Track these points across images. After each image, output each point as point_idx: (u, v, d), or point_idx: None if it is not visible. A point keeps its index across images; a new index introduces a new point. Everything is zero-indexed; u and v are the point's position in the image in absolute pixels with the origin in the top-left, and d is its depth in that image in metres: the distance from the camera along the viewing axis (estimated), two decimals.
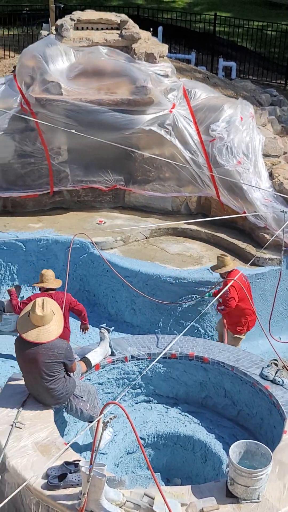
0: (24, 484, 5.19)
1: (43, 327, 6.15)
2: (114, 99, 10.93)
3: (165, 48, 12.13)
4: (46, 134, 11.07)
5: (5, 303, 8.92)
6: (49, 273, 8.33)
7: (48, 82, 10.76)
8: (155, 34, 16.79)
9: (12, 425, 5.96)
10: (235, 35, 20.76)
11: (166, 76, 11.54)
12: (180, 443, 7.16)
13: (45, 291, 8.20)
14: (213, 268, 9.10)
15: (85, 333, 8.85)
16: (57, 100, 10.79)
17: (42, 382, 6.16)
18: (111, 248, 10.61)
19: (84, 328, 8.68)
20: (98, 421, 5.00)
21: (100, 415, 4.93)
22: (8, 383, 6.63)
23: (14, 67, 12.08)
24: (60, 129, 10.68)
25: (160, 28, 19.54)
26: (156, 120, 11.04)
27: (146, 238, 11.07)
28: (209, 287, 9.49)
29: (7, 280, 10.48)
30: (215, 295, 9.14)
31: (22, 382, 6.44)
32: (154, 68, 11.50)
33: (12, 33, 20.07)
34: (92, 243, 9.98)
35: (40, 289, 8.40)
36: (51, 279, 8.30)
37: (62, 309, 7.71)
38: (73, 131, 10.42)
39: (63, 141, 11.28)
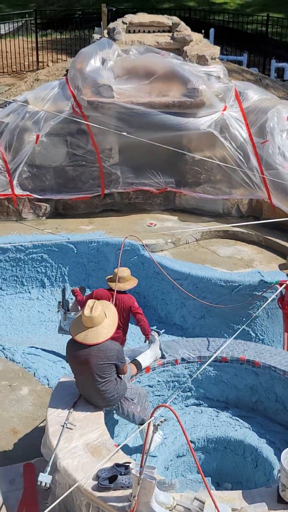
0: (75, 485, 5.22)
1: (92, 328, 6.16)
2: (165, 102, 10.94)
3: (216, 50, 12.09)
4: (97, 137, 11.15)
5: (70, 303, 8.97)
6: (126, 272, 8.03)
7: (100, 85, 10.83)
8: (206, 36, 16.73)
9: (63, 426, 5.99)
10: (287, 36, 20.55)
11: (218, 78, 11.49)
12: (230, 447, 7.11)
13: (110, 289, 7.93)
14: (282, 267, 8.98)
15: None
16: (108, 103, 10.86)
17: (94, 384, 6.18)
18: (162, 250, 10.61)
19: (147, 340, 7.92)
20: (149, 423, 4.99)
21: (150, 417, 4.92)
22: (59, 384, 6.67)
23: (67, 70, 12.19)
24: (112, 131, 10.75)
25: (211, 30, 19.49)
26: (209, 122, 11.00)
27: (197, 240, 11.03)
28: (261, 290, 9.39)
29: (58, 282, 10.58)
30: (280, 285, 8.91)
31: (73, 383, 6.48)
32: (205, 70, 11.46)
33: (64, 37, 20.33)
34: (143, 246, 10.00)
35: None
36: (128, 279, 8.02)
37: (122, 311, 7.69)
38: (124, 133, 10.50)
39: (114, 144, 11.34)
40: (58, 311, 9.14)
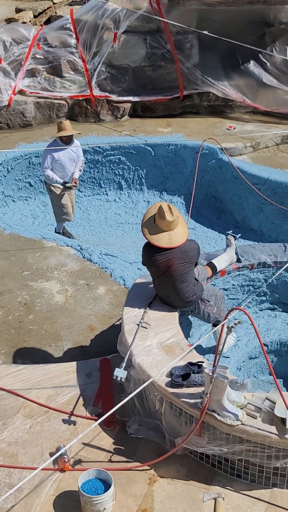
0: (150, 380, 5.39)
1: (173, 231, 6.14)
2: None
3: None
4: (177, 36, 10.82)
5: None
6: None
7: None
8: None
9: (138, 325, 6.13)
10: None
11: None
12: None
13: None
14: None
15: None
16: None
17: (174, 285, 6.23)
18: (240, 154, 10.43)
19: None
20: (223, 325, 5.05)
21: (224, 319, 4.97)
22: (135, 285, 6.79)
23: None
24: (192, 30, 10.41)
25: None
26: None
27: (277, 145, 10.77)
28: None
29: (135, 184, 10.61)
30: None
31: (148, 284, 6.58)
32: None
33: None
34: (221, 149, 9.84)
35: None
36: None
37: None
38: (205, 32, 10.16)
39: (195, 43, 11.00)
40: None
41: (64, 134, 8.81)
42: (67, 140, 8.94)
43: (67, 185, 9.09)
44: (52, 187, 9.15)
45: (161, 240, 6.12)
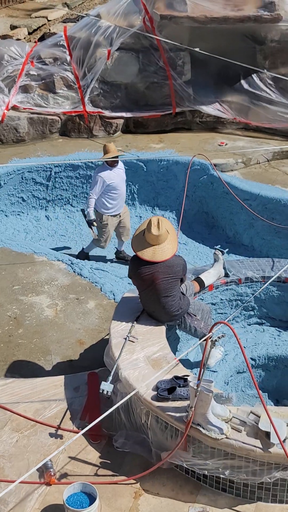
0: (134, 391, 5.41)
1: (158, 246, 6.20)
2: (240, 16, 10.64)
3: None
4: (169, 53, 10.93)
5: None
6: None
7: None
8: None
9: (125, 339, 6.17)
10: None
11: None
12: None
13: None
14: None
15: None
16: (181, 17, 10.59)
17: (159, 299, 6.27)
18: (232, 170, 10.50)
19: None
20: (207, 338, 5.08)
21: (209, 333, 5.01)
22: (123, 299, 6.83)
23: None
24: (184, 47, 10.52)
25: None
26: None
27: (268, 161, 10.84)
28: None
29: (127, 200, 10.66)
30: None
31: (136, 298, 6.62)
32: None
33: None
34: (212, 165, 9.92)
35: None
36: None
37: None
38: (197, 49, 10.27)
39: (187, 60, 11.12)
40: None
41: (110, 156, 8.88)
42: (113, 163, 8.96)
43: (87, 219, 9.26)
44: (105, 217, 9.25)
45: (145, 253, 6.19)
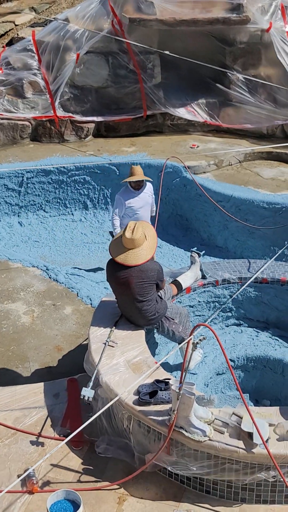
0: (117, 398, 5.38)
1: (132, 250, 6.19)
2: (209, 18, 10.65)
3: None
4: (139, 56, 10.93)
5: None
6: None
7: (142, 1, 10.55)
8: None
9: (105, 344, 6.14)
10: None
11: None
12: (269, 366, 7.21)
13: None
14: None
15: None
16: (150, 20, 10.59)
17: (135, 304, 6.27)
18: (204, 172, 10.52)
19: None
20: (188, 341, 5.08)
21: (190, 336, 5.01)
22: (101, 303, 6.80)
23: None
24: (153, 50, 10.53)
25: None
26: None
27: (240, 162, 10.90)
28: None
29: (101, 204, 10.64)
30: None
31: (114, 303, 6.59)
32: None
33: None
34: (185, 167, 9.93)
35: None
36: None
37: None
38: (167, 52, 10.28)
39: (157, 63, 11.13)
40: None
41: (132, 179, 8.49)
42: (136, 186, 8.61)
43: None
44: None
45: (120, 256, 6.19)
